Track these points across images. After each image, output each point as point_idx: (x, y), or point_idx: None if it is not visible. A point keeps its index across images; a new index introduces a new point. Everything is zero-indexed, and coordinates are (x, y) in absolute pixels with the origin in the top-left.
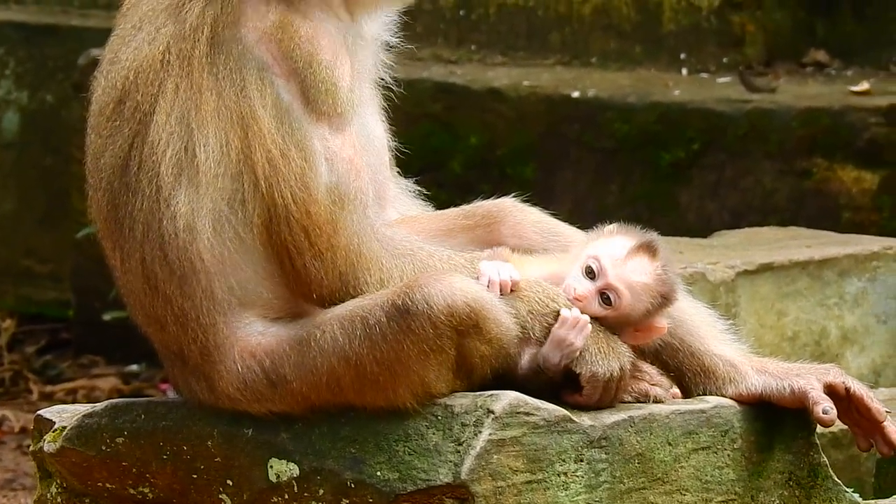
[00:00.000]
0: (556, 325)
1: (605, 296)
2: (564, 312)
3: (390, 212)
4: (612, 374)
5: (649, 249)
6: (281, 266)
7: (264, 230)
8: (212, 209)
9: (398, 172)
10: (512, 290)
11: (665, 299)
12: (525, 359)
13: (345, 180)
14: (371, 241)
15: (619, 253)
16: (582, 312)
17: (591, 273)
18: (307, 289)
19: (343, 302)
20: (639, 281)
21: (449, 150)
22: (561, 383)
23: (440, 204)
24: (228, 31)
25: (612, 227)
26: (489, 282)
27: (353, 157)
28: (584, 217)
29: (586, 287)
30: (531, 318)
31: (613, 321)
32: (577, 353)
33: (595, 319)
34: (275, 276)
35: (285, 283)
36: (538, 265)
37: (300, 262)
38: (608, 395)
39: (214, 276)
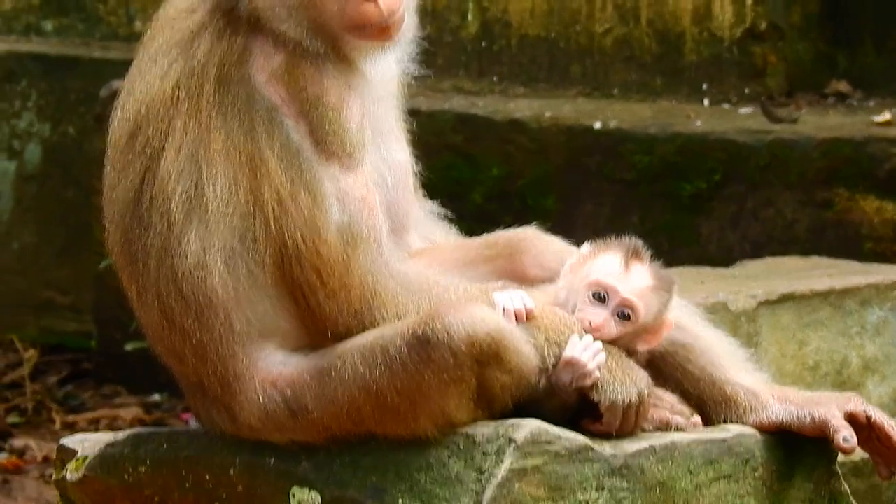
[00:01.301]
0: (568, 348)
1: (621, 313)
2: (574, 336)
3: (413, 236)
4: (631, 401)
5: (638, 255)
6: (296, 303)
7: (276, 269)
8: (223, 247)
9: (424, 195)
10: (527, 318)
11: (669, 294)
12: (541, 382)
13: (357, 219)
14: (385, 278)
15: (615, 268)
16: (603, 339)
17: (599, 297)
18: (323, 325)
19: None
20: (646, 286)
21: (470, 181)
22: (579, 410)
23: (461, 235)
24: (236, 70)
25: (586, 246)
26: (503, 311)
27: (366, 195)
28: None
29: (600, 314)
30: (548, 346)
31: (630, 336)
32: (589, 377)
33: (611, 343)
34: (292, 311)
35: (301, 320)
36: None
37: (314, 301)
38: (628, 422)
39: (231, 309)
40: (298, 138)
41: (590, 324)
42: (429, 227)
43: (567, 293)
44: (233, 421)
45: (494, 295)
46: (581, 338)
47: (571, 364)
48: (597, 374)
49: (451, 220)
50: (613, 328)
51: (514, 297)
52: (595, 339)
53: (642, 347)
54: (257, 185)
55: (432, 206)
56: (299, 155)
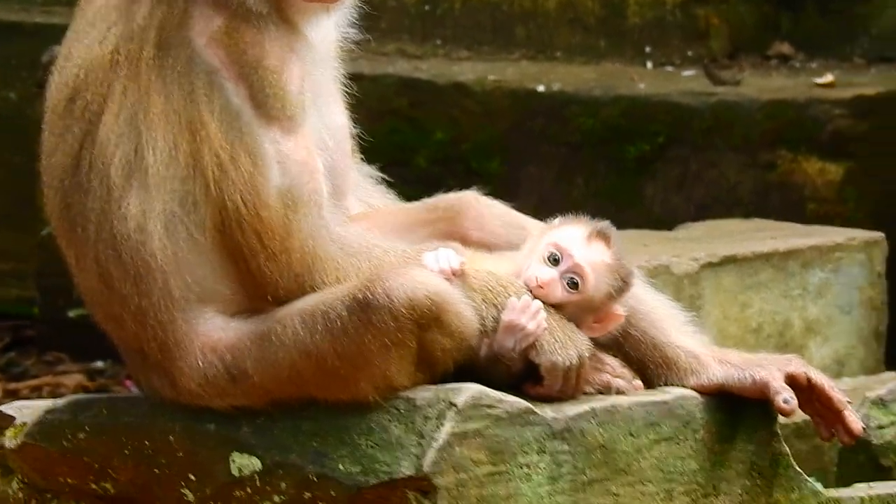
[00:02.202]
0: (505, 312)
1: (569, 279)
2: (512, 299)
3: (351, 200)
4: (571, 363)
5: (604, 235)
6: (237, 267)
7: (217, 233)
8: (163, 210)
9: (362, 159)
10: (457, 275)
11: (624, 283)
12: (483, 349)
13: (298, 183)
14: (326, 241)
15: (578, 237)
16: (545, 301)
17: (553, 259)
18: (263, 290)
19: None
20: (602, 261)
21: (414, 146)
22: (521, 375)
23: (406, 199)
24: (176, 33)
25: (558, 219)
26: (435, 262)
27: (307, 158)
28: (550, 211)
29: (549, 273)
30: (486, 307)
31: (575, 308)
32: (531, 338)
33: (554, 309)
34: (232, 275)
35: (242, 284)
36: (500, 260)
37: (255, 265)
38: (569, 385)
39: (170, 274)
40: (238, 101)
41: (535, 279)
42: (367, 191)
43: (527, 255)
44: (173, 387)
45: (423, 254)
46: (519, 299)
47: (511, 327)
48: (538, 333)
49: (394, 185)
50: (558, 291)
51: (442, 256)
52: (538, 296)
53: (589, 334)
54: (197, 148)
55: (370, 170)
56: (239, 118)
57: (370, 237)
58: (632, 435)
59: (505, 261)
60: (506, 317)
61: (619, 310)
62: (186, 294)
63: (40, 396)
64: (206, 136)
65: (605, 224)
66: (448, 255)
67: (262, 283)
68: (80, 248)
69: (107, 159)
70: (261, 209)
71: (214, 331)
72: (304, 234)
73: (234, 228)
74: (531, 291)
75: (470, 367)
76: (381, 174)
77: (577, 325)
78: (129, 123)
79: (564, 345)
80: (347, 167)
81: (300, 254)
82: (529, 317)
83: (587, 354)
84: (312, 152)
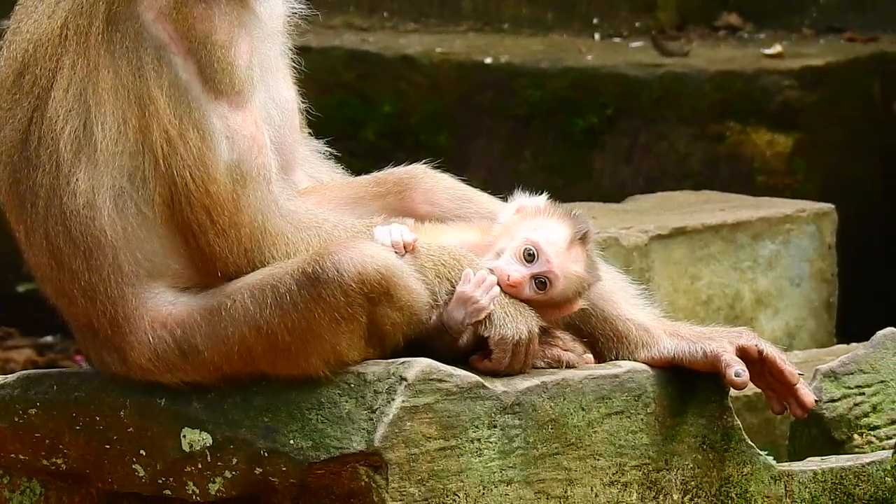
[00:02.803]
0: (461, 283)
1: (540, 281)
2: (468, 271)
3: (299, 174)
4: (520, 338)
5: (584, 239)
6: (186, 242)
7: (166, 208)
8: (112, 186)
9: (310, 134)
10: (409, 250)
11: (589, 287)
12: (432, 319)
13: (246, 158)
14: (275, 216)
15: (559, 241)
16: (513, 297)
17: (528, 255)
18: (213, 265)
19: None
20: (575, 271)
21: (362, 119)
22: (469, 348)
23: (354, 173)
24: (125, 8)
25: (538, 203)
26: (386, 237)
27: (255, 133)
28: (499, 184)
29: (521, 272)
30: (438, 281)
31: (537, 304)
32: (483, 312)
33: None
34: (181, 250)
35: (191, 260)
36: (451, 234)
37: (204, 240)
38: (518, 359)
39: (120, 249)
40: (187, 77)
41: (507, 277)
42: (315, 165)
43: (502, 233)
44: (123, 362)
45: (375, 229)
46: (474, 273)
47: (464, 299)
48: (490, 308)
49: (343, 158)
50: (526, 291)
51: (395, 230)
52: (504, 291)
53: (541, 317)
54: (146, 123)
55: (318, 145)
56: (188, 93)
57: (319, 212)
58: (583, 409)
59: (456, 234)
60: (460, 288)
61: (578, 304)
62: (136, 269)
63: None
64: (154, 112)
65: (586, 225)
66: (401, 230)
67: (211, 258)
68: (30, 224)
69: (56, 134)
70: (209, 184)
71: (164, 306)
72: (253, 209)
73: (183, 204)
74: (499, 284)
75: (418, 341)
76: (329, 148)
77: (532, 307)
78: (78, 98)
79: (514, 319)
80: (295, 142)
81: (249, 229)
82: (483, 291)
83: (536, 330)
84: (261, 127)
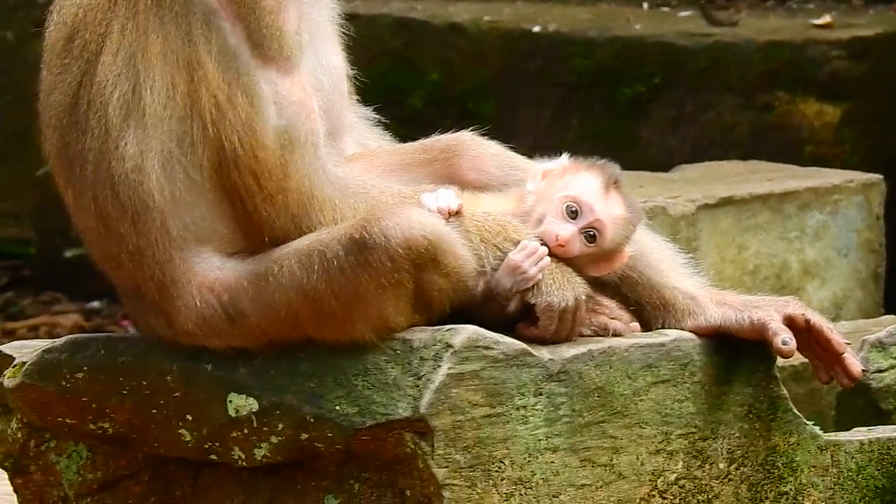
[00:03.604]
0: (514, 251)
1: (589, 234)
2: (525, 241)
3: (347, 141)
4: (567, 305)
5: (617, 182)
6: (233, 207)
7: (214, 173)
8: (160, 150)
9: (358, 100)
10: (455, 215)
11: (635, 227)
12: (479, 287)
13: (294, 123)
14: (322, 182)
15: (595, 190)
16: (562, 256)
17: (571, 212)
18: (260, 230)
19: None
20: (620, 214)
21: (409, 86)
22: (515, 315)
23: (400, 140)
24: None
25: (565, 158)
26: (433, 202)
27: (304, 99)
28: (545, 152)
29: (568, 229)
30: (484, 248)
31: (589, 259)
32: (531, 281)
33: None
34: (229, 215)
35: (239, 225)
36: (489, 202)
37: (251, 205)
38: (564, 326)
39: (167, 213)
40: (236, 42)
41: (556, 237)
42: (363, 132)
43: (537, 200)
44: (170, 326)
45: (422, 195)
46: (527, 242)
47: (513, 268)
48: (538, 278)
49: (389, 126)
50: (577, 246)
51: (441, 196)
52: (556, 253)
53: (593, 273)
54: (195, 88)
55: (366, 112)
56: (236, 59)
57: (366, 178)
58: (629, 377)
59: (502, 201)
60: (510, 256)
61: (627, 250)
62: (184, 234)
63: (37, 336)
64: (203, 77)
65: (615, 170)
66: (447, 196)
67: (258, 223)
68: (78, 188)
69: (104, 98)
70: (257, 150)
71: (211, 270)
72: (301, 174)
73: (231, 169)
74: (549, 247)
75: (464, 308)
76: (376, 115)
77: (582, 267)
78: (127, 63)
79: (561, 286)
80: (344, 108)
81: (296, 194)
82: (533, 262)
83: (583, 297)
84: (309, 93)
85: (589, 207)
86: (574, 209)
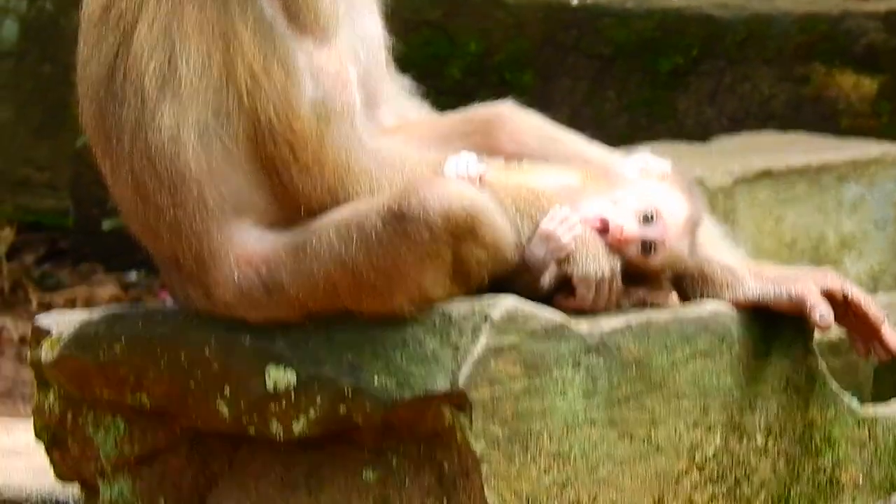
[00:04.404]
0: (546, 219)
1: (648, 246)
2: (555, 208)
3: (385, 111)
4: (603, 275)
5: (698, 225)
6: (270, 179)
7: (250, 144)
8: (196, 121)
9: (398, 70)
10: (479, 182)
11: (683, 271)
12: (515, 258)
13: (331, 95)
14: (359, 154)
15: (679, 216)
16: (617, 251)
17: (647, 220)
18: (296, 201)
19: None
20: (680, 251)
21: (447, 57)
22: (550, 289)
23: (439, 110)
24: None
25: (664, 167)
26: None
27: (340, 69)
28: (582, 124)
29: (636, 231)
30: (522, 220)
31: (634, 269)
32: (564, 250)
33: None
34: (266, 187)
35: (275, 196)
36: (552, 174)
37: (287, 176)
38: (602, 296)
39: (205, 184)
40: (272, 12)
41: (621, 230)
42: (401, 102)
43: (622, 187)
44: (208, 298)
45: (447, 161)
46: (558, 207)
47: (546, 236)
48: (571, 246)
49: (427, 96)
50: (632, 250)
51: (461, 161)
52: (610, 243)
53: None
54: (230, 59)
55: (405, 82)
56: (272, 29)
57: (403, 149)
58: (667, 349)
59: (557, 174)
60: (543, 225)
61: (667, 291)
62: (221, 205)
63: (74, 307)
64: (238, 47)
65: (701, 213)
66: (466, 161)
67: (294, 195)
68: (116, 159)
69: (140, 69)
70: (293, 121)
71: (249, 242)
72: (337, 145)
73: (267, 140)
74: (606, 234)
75: (501, 280)
76: (415, 85)
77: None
78: (163, 33)
79: (597, 257)
80: (381, 78)
81: (333, 166)
82: (567, 229)
83: (618, 268)
84: (345, 64)
85: (664, 226)
86: (652, 216)
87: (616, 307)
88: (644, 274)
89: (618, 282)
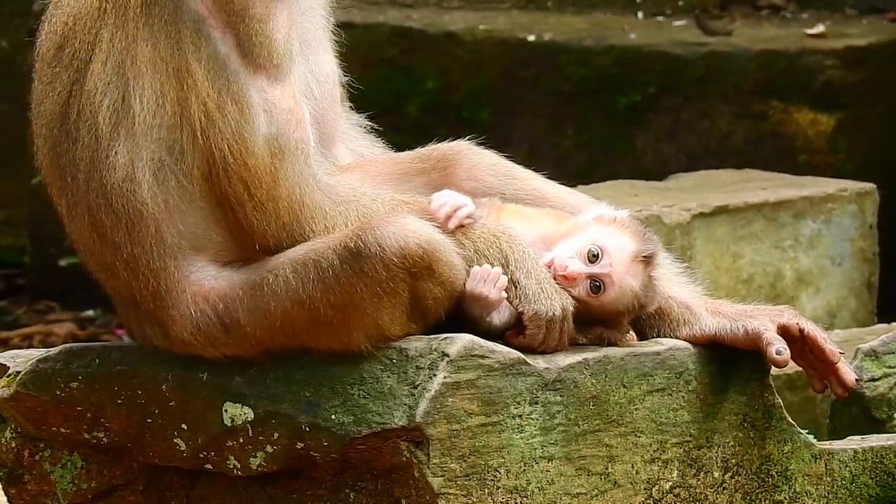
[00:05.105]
0: (469, 280)
1: (595, 284)
2: (475, 269)
3: (340, 148)
4: (554, 314)
5: (648, 260)
6: (225, 216)
7: (205, 181)
8: (151, 158)
9: (351, 108)
10: (461, 227)
11: (639, 308)
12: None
13: (285, 131)
14: (313, 190)
15: (625, 251)
16: (563, 286)
17: (593, 258)
18: (251, 239)
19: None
20: (631, 286)
21: (405, 94)
22: (508, 325)
23: (397, 148)
24: None
25: (619, 215)
26: (439, 203)
27: (294, 107)
28: (541, 161)
29: (580, 268)
30: (478, 259)
31: (585, 309)
32: (497, 304)
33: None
34: (222, 224)
35: (231, 233)
36: (532, 217)
37: (242, 214)
38: (552, 336)
39: (162, 221)
40: (226, 50)
41: (565, 268)
42: (356, 140)
43: (574, 232)
44: (165, 335)
45: (433, 196)
46: (476, 268)
47: (474, 297)
48: (501, 299)
49: (385, 133)
50: (578, 288)
51: (454, 198)
52: (558, 282)
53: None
54: (184, 96)
55: (359, 119)
56: (226, 67)
57: (358, 186)
58: (624, 386)
59: (537, 218)
60: (469, 285)
61: (622, 322)
62: (178, 242)
63: (31, 345)
64: (192, 85)
65: (654, 248)
66: (458, 198)
67: (249, 231)
68: (71, 198)
69: (94, 107)
70: (247, 157)
71: (206, 279)
72: (291, 182)
73: (222, 177)
74: (553, 274)
75: (458, 315)
76: (371, 123)
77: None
78: (117, 71)
79: (549, 296)
80: (336, 115)
81: (287, 202)
82: (490, 284)
83: (571, 308)
84: (299, 101)
85: (609, 261)
86: (596, 254)
87: (570, 345)
88: (603, 317)
89: (569, 322)
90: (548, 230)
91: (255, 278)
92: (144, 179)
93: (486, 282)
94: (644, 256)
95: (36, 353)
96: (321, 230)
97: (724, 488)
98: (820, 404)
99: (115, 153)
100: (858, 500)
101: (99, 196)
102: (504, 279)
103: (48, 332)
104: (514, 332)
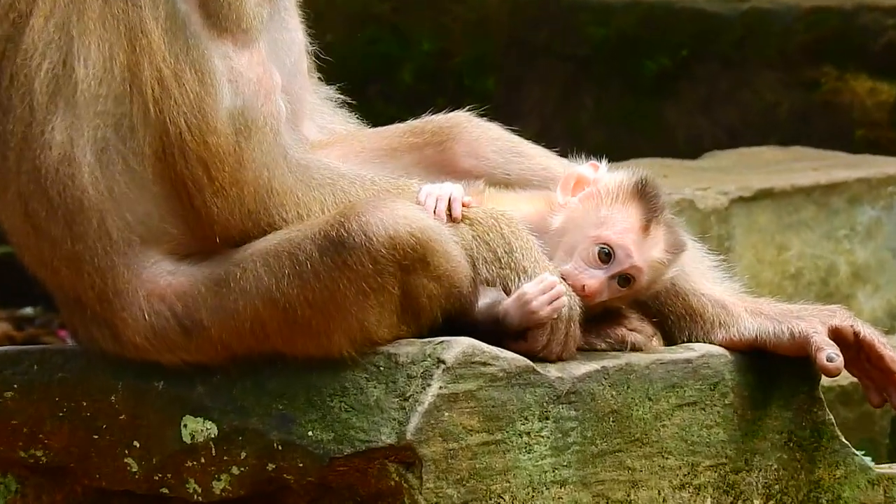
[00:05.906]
0: (530, 283)
1: (623, 278)
2: (545, 275)
3: (308, 125)
4: (559, 315)
5: (660, 214)
6: (181, 203)
7: (158, 162)
8: (93, 136)
9: (319, 79)
10: (457, 219)
11: (676, 261)
12: (484, 302)
13: (252, 104)
14: (284, 172)
15: (633, 230)
16: (591, 301)
17: (605, 257)
18: (211, 230)
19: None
20: (659, 258)
21: (398, 58)
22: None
23: (387, 120)
24: None
25: (601, 174)
26: (431, 200)
27: (262, 76)
28: (553, 137)
29: (598, 277)
30: (478, 246)
31: (618, 297)
32: (541, 321)
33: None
34: (178, 212)
35: (188, 223)
36: (511, 201)
37: (199, 200)
38: (556, 339)
39: (106, 212)
40: (186, 9)
41: (583, 288)
42: (327, 115)
43: (567, 221)
44: (115, 339)
45: (423, 187)
46: (547, 275)
47: (525, 302)
48: (549, 319)
49: (374, 104)
50: (605, 293)
51: (444, 190)
52: (583, 301)
53: (617, 304)
54: (136, 60)
55: (329, 92)
56: (186, 28)
57: (335, 166)
58: (649, 399)
59: (523, 201)
60: (525, 288)
61: (661, 284)
62: (127, 235)
63: None
64: (146, 46)
65: (658, 197)
66: (451, 189)
67: (209, 221)
68: (2, 180)
69: (30, 71)
70: (207, 134)
71: (162, 276)
72: (258, 163)
73: (177, 157)
74: (574, 290)
75: (463, 319)
76: (343, 95)
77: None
78: (60, 28)
79: (554, 297)
80: (304, 88)
81: (253, 186)
82: (547, 301)
83: (578, 308)
84: (269, 70)
85: (625, 253)
86: (607, 252)
87: (586, 350)
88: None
89: (575, 324)
90: (537, 212)
91: (220, 273)
92: (85, 161)
93: (545, 294)
94: (654, 214)
95: None
96: (293, 218)
97: None
98: (879, 421)
99: (52, 128)
100: None
101: (32, 181)
102: (564, 301)
103: None
104: (512, 337)
